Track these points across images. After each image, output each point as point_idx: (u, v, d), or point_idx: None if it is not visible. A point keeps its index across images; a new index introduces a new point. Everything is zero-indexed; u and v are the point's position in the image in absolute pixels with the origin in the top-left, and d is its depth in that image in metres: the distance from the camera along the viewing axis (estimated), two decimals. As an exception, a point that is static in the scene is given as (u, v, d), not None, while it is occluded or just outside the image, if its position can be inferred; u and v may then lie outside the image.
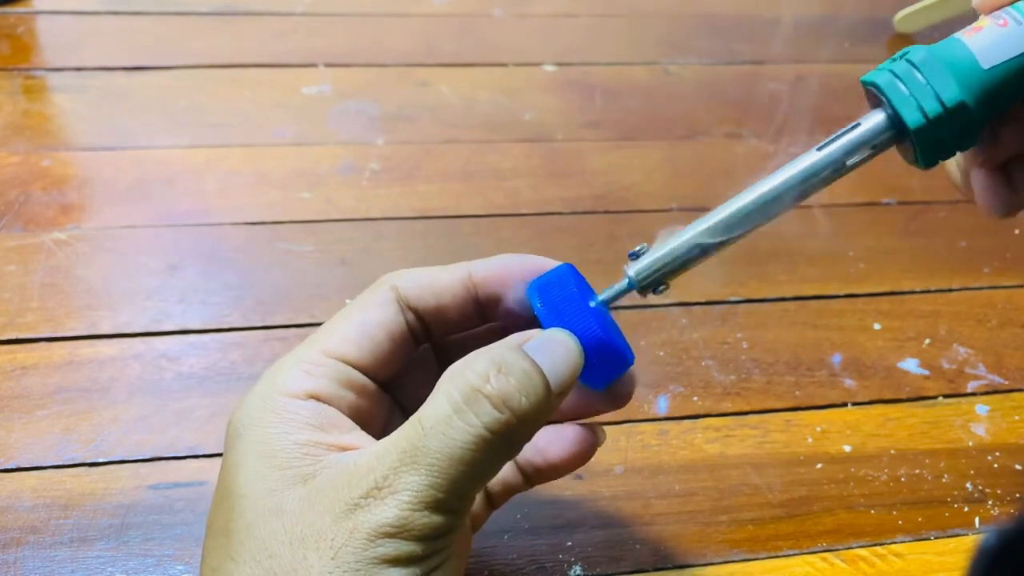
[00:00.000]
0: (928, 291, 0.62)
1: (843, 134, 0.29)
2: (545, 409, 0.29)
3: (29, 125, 0.72)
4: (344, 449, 0.29)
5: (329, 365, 0.31)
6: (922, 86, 0.27)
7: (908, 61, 0.28)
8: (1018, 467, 0.50)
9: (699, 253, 0.31)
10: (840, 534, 0.46)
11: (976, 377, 0.56)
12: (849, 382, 0.55)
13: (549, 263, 0.34)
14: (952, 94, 0.27)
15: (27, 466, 0.46)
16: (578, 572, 0.43)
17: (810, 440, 0.51)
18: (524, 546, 0.44)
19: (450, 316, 0.34)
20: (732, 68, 0.91)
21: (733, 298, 0.60)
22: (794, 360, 0.56)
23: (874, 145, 0.29)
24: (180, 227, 0.62)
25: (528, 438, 0.29)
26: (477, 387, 0.27)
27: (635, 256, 0.31)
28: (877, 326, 0.59)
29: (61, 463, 0.46)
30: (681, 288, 0.60)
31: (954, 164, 0.35)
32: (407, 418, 0.29)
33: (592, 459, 0.49)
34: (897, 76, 0.28)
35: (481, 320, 0.36)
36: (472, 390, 0.27)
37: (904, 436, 0.52)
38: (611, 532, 0.45)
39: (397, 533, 0.26)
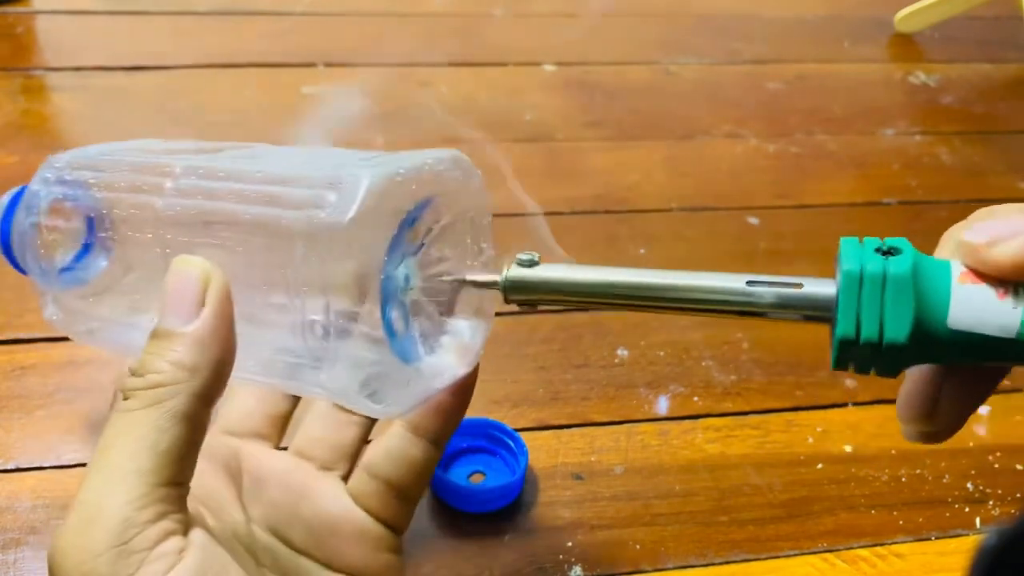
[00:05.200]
0: (928, 291, 0.62)
1: (782, 284, 0.26)
2: (187, 353, 0.27)
3: (28, 125, 0.72)
4: None
5: (160, 495, 0.27)
6: (876, 308, 0.24)
7: (884, 270, 0.24)
8: (1019, 467, 0.50)
9: (581, 298, 0.29)
10: (841, 534, 0.46)
11: (977, 377, 0.56)
12: (850, 382, 0.55)
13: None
14: (898, 335, 0.23)
15: (27, 466, 0.46)
16: (578, 572, 0.43)
17: (811, 440, 0.51)
18: (524, 546, 0.44)
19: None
20: (732, 68, 0.91)
21: (733, 298, 0.60)
22: (795, 360, 0.56)
23: (805, 315, 0.25)
24: (180, 227, 0.62)
25: (184, 385, 0.27)
26: (116, 398, 0.27)
27: (523, 264, 0.29)
28: (877, 326, 0.59)
29: (61, 463, 0.46)
30: (681, 288, 0.60)
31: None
32: None
33: (592, 459, 0.49)
34: (863, 279, 0.24)
35: None
36: (116, 401, 0.27)
37: (905, 436, 0.52)
38: (611, 532, 0.45)
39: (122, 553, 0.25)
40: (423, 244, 0.30)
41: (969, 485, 0.49)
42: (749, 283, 0.26)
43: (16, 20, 0.87)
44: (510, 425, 0.48)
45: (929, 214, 0.69)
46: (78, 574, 0.25)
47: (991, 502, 0.48)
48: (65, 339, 0.53)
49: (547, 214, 0.69)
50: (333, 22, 0.89)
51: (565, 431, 0.50)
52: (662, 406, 0.52)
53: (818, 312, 0.25)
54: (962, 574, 0.29)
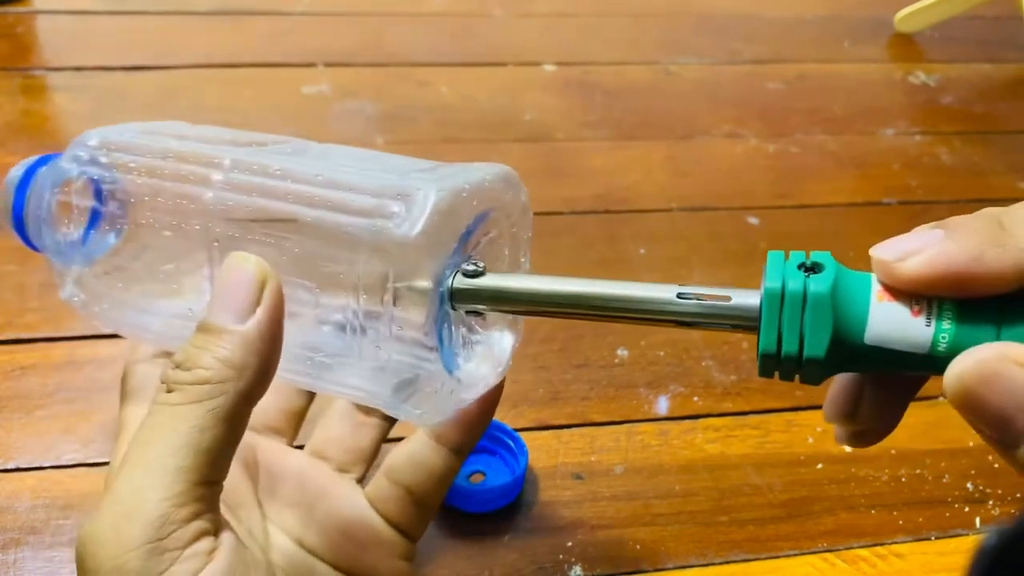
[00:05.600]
0: (928, 291, 0.62)
1: (710, 297, 0.27)
2: (237, 350, 0.27)
3: (29, 125, 0.72)
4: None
5: (199, 493, 0.27)
6: (796, 324, 0.25)
7: (805, 288, 0.25)
8: (1019, 467, 0.50)
9: (521, 307, 0.29)
10: (841, 534, 0.46)
11: (976, 377, 0.56)
12: (849, 382, 0.55)
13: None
14: (816, 351, 0.25)
15: (27, 466, 0.46)
16: (578, 572, 0.43)
17: (811, 440, 0.51)
18: (524, 546, 0.44)
19: None
20: (732, 68, 0.91)
21: (733, 298, 0.60)
22: (794, 360, 0.56)
23: (732, 325, 0.27)
24: (180, 227, 0.62)
25: (231, 384, 0.27)
26: (159, 390, 0.27)
27: (469, 275, 0.29)
28: (877, 326, 0.59)
29: (61, 463, 0.46)
30: (681, 288, 0.60)
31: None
32: None
33: (592, 459, 0.49)
34: (784, 297, 0.25)
35: None
36: (160, 394, 0.27)
37: (905, 436, 0.52)
38: (611, 532, 0.45)
39: (156, 550, 0.25)
40: (470, 256, 0.30)
41: (969, 485, 0.49)
42: (680, 295, 0.27)
43: (16, 20, 0.87)
44: (510, 425, 0.48)
45: (929, 214, 0.69)
46: (111, 567, 0.25)
47: (991, 502, 0.48)
48: (65, 339, 0.53)
49: (547, 214, 0.70)
50: (333, 22, 0.89)
51: (565, 431, 0.50)
52: (662, 406, 0.52)
53: (744, 323, 0.26)
54: (962, 574, 0.29)
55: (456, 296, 0.29)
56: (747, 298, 0.26)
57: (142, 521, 0.25)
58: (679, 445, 0.50)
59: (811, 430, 0.51)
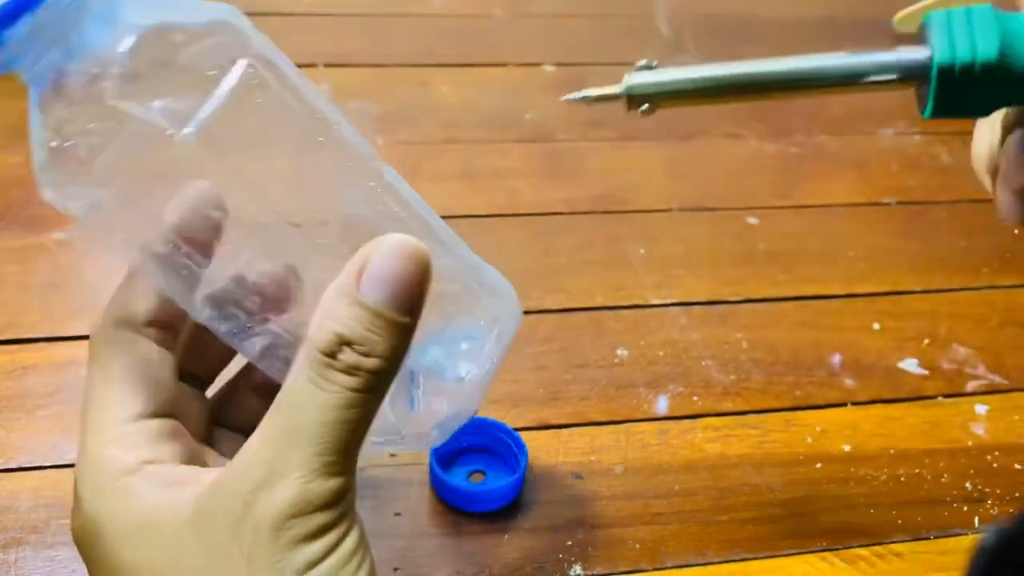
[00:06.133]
0: (928, 291, 0.62)
1: (878, 51, 0.29)
2: (401, 344, 0.27)
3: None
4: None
5: (135, 431, 0.29)
6: (967, 34, 0.27)
7: (968, 11, 0.28)
8: (1017, 467, 0.50)
9: (698, 94, 0.31)
10: (840, 534, 0.46)
11: (976, 377, 0.56)
12: (849, 382, 0.55)
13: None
14: (989, 50, 0.27)
15: (27, 466, 0.46)
16: (578, 572, 0.43)
17: (810, 440, 0.51)
18: (524, 546, 0.44)
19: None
20: (732, 68, 0.91)
21: (733, 298, 0.60)
22: (794, 360, 0.56)
23: (900, 72, 0.29)
24: (180, 227, 0.62)
25: (393, 376, 0.28)
26: (327, 363, 0.26)
27: (642, 68, 0.31)
28: (877, 326, 0.59)
29: (61, 463, 0.46)
30: (681, 288, 0.61)
31: (983, 169, 0.34)
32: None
33: (592, 458, 0.49)
34: (951, 17, 0.28)
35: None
36: (324, 367, 0.27)
37: (904, 436, 0.52)
38: (611, 532, 0.45)
39: (300, 510, 0.26)
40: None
41: (968, 484, 0.49)
42: (850, 53, 0.29)
43: (17, 20, 0.87)
44: (510, 425, 0.48)
45: (929, 214, 0.69)
46: (252, 528, 0.26)
47: (990, 501, 0.48)
48: (66, 339, 0.53)
49: (547, 214, 0.70)
50: (333, 22, 0.89)
51: (565, 431, 0.50)
52: (662, 406, 0.52)
53: (913, 67, 0.28)
54: (961, 573, 0.29)
55: (633, 90, 0.31)
56: (912, 48, 0.29)
57: (291, 491, 0.26)
58: (679, 445, 0.50)
59: (810, 430, 0.52)
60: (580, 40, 0.93)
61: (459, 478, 0.47)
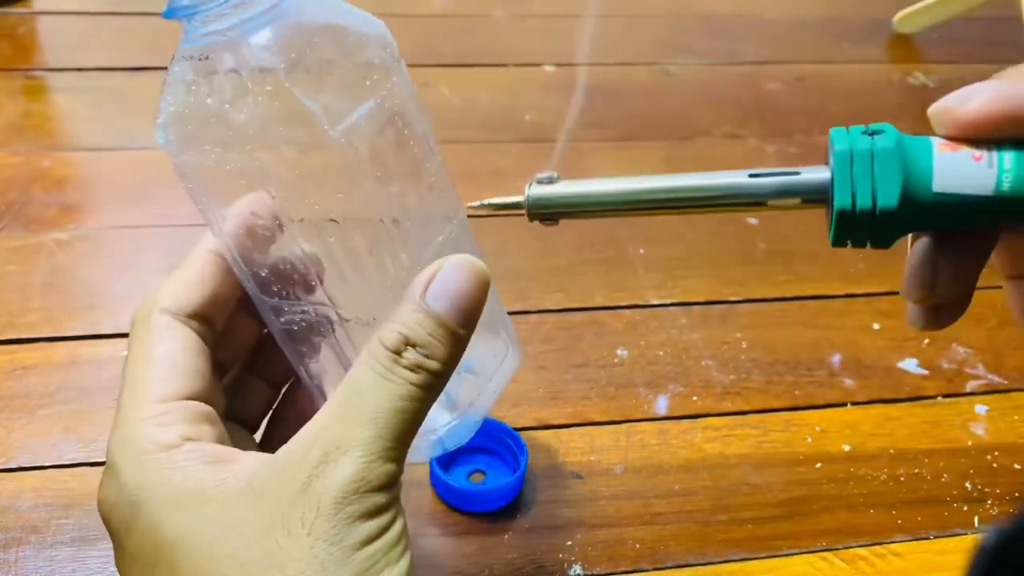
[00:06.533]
0: (928, 291, 0.62)
1: (780, 174, 0.28)
2: (459, 352, 0.30)
3: (30, 125, 0.72)
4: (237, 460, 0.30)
5: (174, 409, 0.30)
6: (868, 180, 0.27)
7: (872, 146, 0.27)
8: (1017, 466, 0.50)
9: (597, 210, 0.31)
10: (840, 533, 0.46)
11: (975, 377, 0.56)
12: (848, 382, 0.55)
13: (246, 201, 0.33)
14: (890, 202, 0.26)
15: (28, 466, 0.46)
16: (578, 572, 0.43)
17: (809, 440, 0.51)
18: (524, 546, 0.44)
19: (222, 296, 0.34)
20: (732, 68, 0.91)
21: (733, 298, 0.61)
22: (793, 360, 0.56)
23: (804, 199, 0.28)
24: (181, 227, 0.62)
25: (447, 380, 0.30)
26: (394, 359, 0.29)
27: (544, 181, 0.31)
28: (876, 326, 0.59)
29: (62, 463, 0.46)
30: (681, 288, 0.61)
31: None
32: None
33: (592, 458, 0.49)
34: (853, 156, 0.27)
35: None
36: (391, 361, 0.29)
37: (903, 436, 0.52)
38: (611, 532, 0.45)
39: (360, 487, 0.27)
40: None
41: (968, 484, 0.49)
42: (751, 175, 0.29)
43: (17, 21, 0.87)
44: (510, 425, 0.48)
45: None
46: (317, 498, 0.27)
47: (989, 501, 0.48)
48: (66, 339, 0.53)
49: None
50: (333, 22, 0.89)
51: (565, 431, 0.50)
52: (661, 406, 0.52)
53: (816, 193, 0.28)
54: (960, 573, 0.29)
55: (533, 204, 0.31)
56: (816, 171, 0.28)
57: (352, 467, 0.27)
58: (678, 445, 0.50)
59: (810, 430, 0.52)
60: (580, 40, 0.93)
61: (459, 478, 0.47)
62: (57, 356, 0.52)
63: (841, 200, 0.27)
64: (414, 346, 0.29)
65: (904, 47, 0.99)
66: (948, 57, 0.96)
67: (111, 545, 0.43)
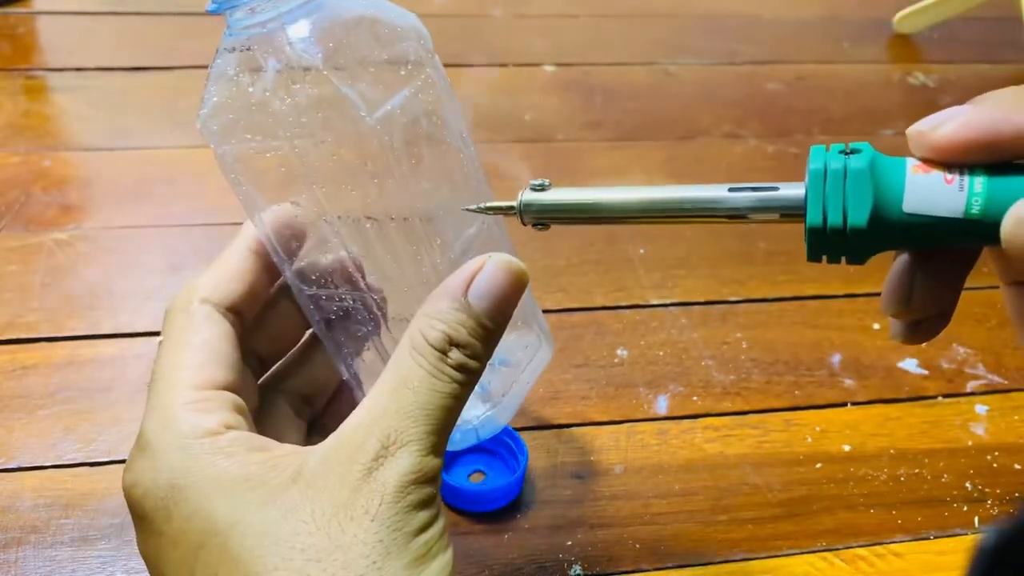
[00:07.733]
0: (927, 291, 0.62)
1: (760, 189, 0.29)
2: (492, 349, 0.31)
3: (30, 125, 0.72)
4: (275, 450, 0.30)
5: (213, 397, 0.31)
6: (839, 198, 0.27)
7: (845, 165, 0.27)
8: (1017, 466, 0.50)
9: (585, 218, 0.32)
10: (840, 534, 0.46)
11: (975, 377, 0.56)
12: (848, 382, 0.55)
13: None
14: (859, 220, 0.27)
15: (28, 466, 0.46)
16: (578, 572, 0.43)
17: (809, 440, 0.51)
18: (524, 546, 0.44)
19: (257, 290, 0.35)
20: (732, 68, 0.91)
21: (733, 298, 0.61)
22: (793, 360, 0.56)
23: (781, 214, 0.29)
24: (181, 227, 0.62)
25: (480, 376, 0.31)
26: (442, 359, 0.30)
27: (536, 188, 0.32)
28: (876, 326, 0.59)
29: (62, 463, 0.46)
30: (681, 288, 0.61)
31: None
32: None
33: (592, 459, 0.49)
34: (827, 174, 0.27)
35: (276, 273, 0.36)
36: (439, 360, 0.30)
37: (903, 436, 0.52)
38: (611, 532, 0.45)
39: (418, 478, 0.28)
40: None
41: (968, 484, 0.49)
42: (731, 189, 0.29)
43: (17, 21, 0.87)
44: (510, 425, 0.48)
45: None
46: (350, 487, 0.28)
47: (990, 501, 0.48)
48: (66, 339, 0.53)
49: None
50: (333, 22, 0.89)
51: (565, 431, 0.50)
52: (661, 406, 0.52)
53: (792, 209, 0.29)
54: (961, 573, 0.29)
55: (526, 209, 0.32)
56: (794, 187, 0.29)
57: (411, 459, 0.28)
58: (678, 445, 0.50)
59: (810, 430, 0.52)
60: (580, 40, 0.93)
61: (459, 478, 0.47)
62: (57, 356, 0.52)
63: (813, 217, 0.27)
64: (458, 346, 0.30)
65: (904, 47, 0.99)
66: (948, 57, 0.96)
67: (111, 545, 0.43)
